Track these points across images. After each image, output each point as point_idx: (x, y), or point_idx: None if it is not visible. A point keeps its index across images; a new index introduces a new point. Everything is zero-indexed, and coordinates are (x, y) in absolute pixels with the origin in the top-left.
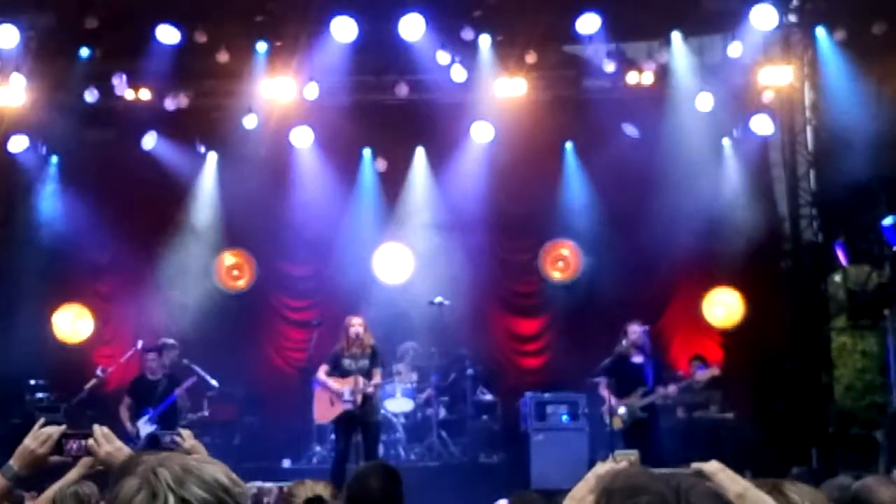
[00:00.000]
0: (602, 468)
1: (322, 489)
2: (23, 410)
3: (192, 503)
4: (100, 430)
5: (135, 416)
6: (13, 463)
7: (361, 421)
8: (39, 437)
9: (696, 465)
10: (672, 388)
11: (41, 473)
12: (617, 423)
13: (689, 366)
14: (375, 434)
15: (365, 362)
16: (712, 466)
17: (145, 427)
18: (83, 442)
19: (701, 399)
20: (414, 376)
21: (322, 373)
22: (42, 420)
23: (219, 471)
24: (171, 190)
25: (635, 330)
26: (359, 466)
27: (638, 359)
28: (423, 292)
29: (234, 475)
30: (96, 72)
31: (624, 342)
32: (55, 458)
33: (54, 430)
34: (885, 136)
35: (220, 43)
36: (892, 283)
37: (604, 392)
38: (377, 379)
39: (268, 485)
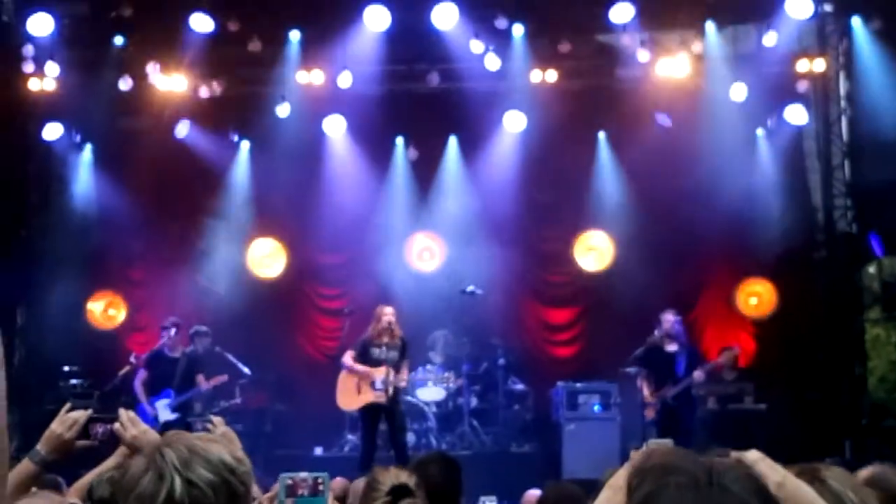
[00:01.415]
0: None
1: (406, 478)
2: (57, 396)
3: (199, 484)
4: (126, 414)
5: (151, 392)
6: (40, 447)
7: (387, 410)
8: (66, 421)
9: (735, 454)
10: (698, 374)
11: (70, 458)
12: (650, 414)
13: (720, 356)
14: (402, 422)
15: (395, 353)
16: (752, 456)
17: (164, 412)
18: (109, 426)
19: (733, 390)
20: (450, 376)
21: (349, 357)
22: (69, 405)
23: (223, 450)
24: (204, 178)
25: (668, 319)
26: (421, 454)
27: (672, 347)
28: (455, 281)
29: (239, 453)
30: (130, 60)
31: (657, 332)
32: (82, 443)
33: (81, 415)
34: None
35: (253, 32)
36: None
37: (641, 384)
38: (405, 374)
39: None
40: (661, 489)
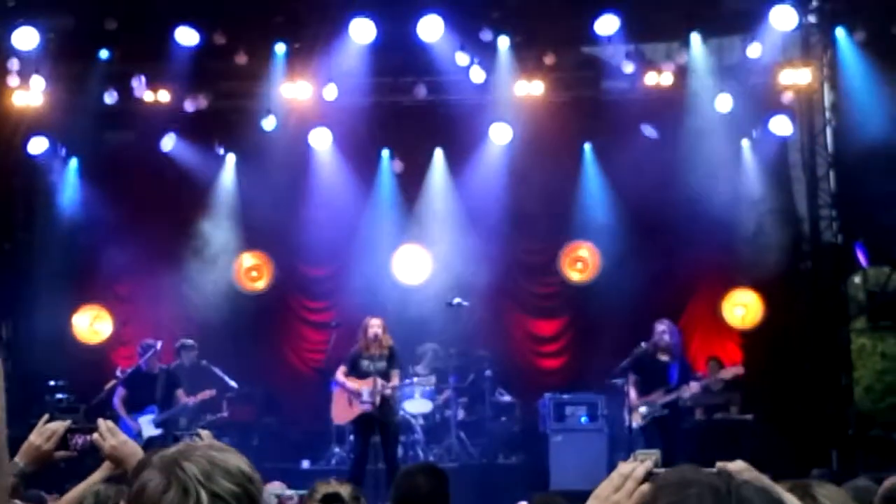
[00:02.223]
0: (626, 468)
1: (343, 488)
2: (42, 411)
3: (224, 496)
4: (104, 425)
5: (134, 409)
6: (19, 459)
7: (380, 422)
8: (45, 432)
9: (720, 465)
10: (693, 386)
11: (50, 470)
12: (636, 419)
13: (706, 367)
14: (394, 434)
15: (383, 364)
16: (737, 466)
17: (148, 427)
18: (88, 437)
19: (720, 401)
20: (433, 378)
21: (340, 374)
22: (46, 416)
23: (239, 460)
24: (190, 191)
25: (658, 329)
26: (407, 466)
27: (664, 357)
28: (441, 293)
29: (248, 461)
30: (115, 73)
31: (644, 343)
32: (61, 454)
33: (59, 426)
34: None
35: (238, 45)
36: None
37: (629, 389)
38: (395, 381)
39: (288, 492)
40: (682, 501)
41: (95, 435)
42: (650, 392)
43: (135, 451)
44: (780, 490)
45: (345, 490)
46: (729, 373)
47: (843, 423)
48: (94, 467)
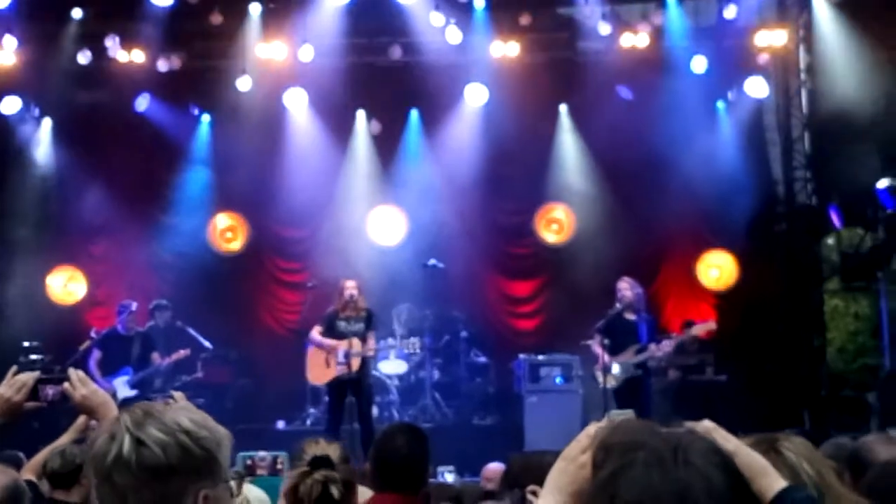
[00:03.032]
0: (593, 428)
1: (332, 450)
2: (17, 372)
3: (147, 443)
4: (75, 374)
5: (109, 371)
6: None
7: (355, 382)
8: (15, 384)
9: (689, 425)
10: (666, 344)
11: (23, 430)
12: (609, 381)
13: (681, 331)
14: (368, 395)
15: (360, 325)
16: (706, 426)
17: (123, 389)
18: (59, 387)
19: (694, 361)
20: (416, 341)
21: (316, 332)
22: (15, 367)
23: (183, 415)
24: (165, 152)
25: (619, 287)
26: (386, 426)
27: (631, 316)
28: (416, 255)
29: (207, 421)
30: (89, 33)
31: (618, 304)
32: (31, 404)
33: (29, 377)
34: (880, 99)
35: (213, 4)
36: (886, 245)
37: (597, 350)
38: (372, 343)
39: (260, 453)
40: (627, 466)
41: (66, 385)
42: (621, 352)
43: (105, 400)
44: (742, 447)
45: (333, 451)
46: (702, 328)
47: (815, 383)
48: (68, 427)
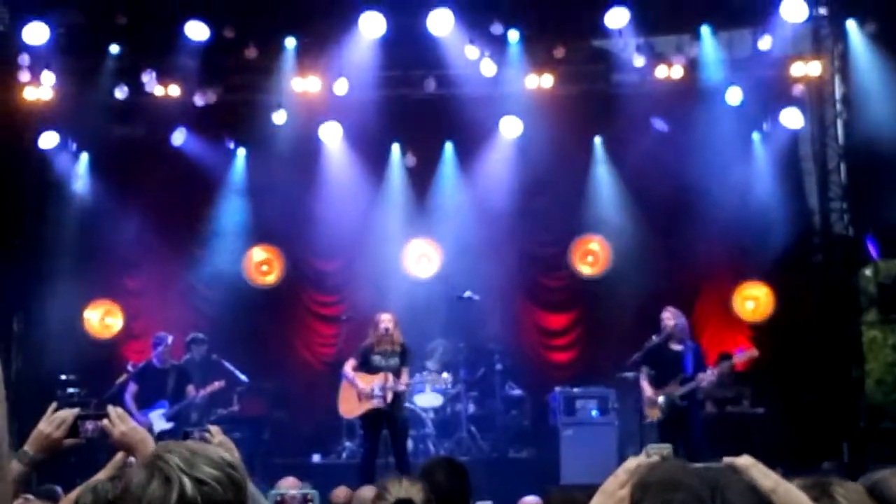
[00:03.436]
0: (633, 462)
1: (416, 492)
2: (57, 409)
3: (208, 481)
4: (114, 411)
5: (145, 405)
6: (28, 448)
7: (389, 416)
8: (54, 420)
9: (728, 460)
10: (710, 374)
11: (62, 465)
12: (654, 414)
13: (716, 364)
14: (403, 429)
15: (395, 360)
16: (745, 461)
17: (159, 422)
18: (98, 423)
19: (731, 394)
20: (448, 377)
21: (349, 367)
22: (55, 404)
23: (221, 450)
24: (201, 186)
25: (664, 316)
26: (426, 460)
27: (677, 346)
28: (451, 287)
29: (230, 453)
30: (126, 68)
31: (655, 337)
32: (70, 441)
33: (69, 413)
34: None
35: (248, 39)
36: None
37: (643, 383)
38: (406, 378)
39: (292, 492)
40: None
41: (105, 421)
42: (666, 384)
43: (144, 437)
44: (781, 483)
45: (416, 492)
46: (744, 356)
47: (854, 415)
48: (106, 462)
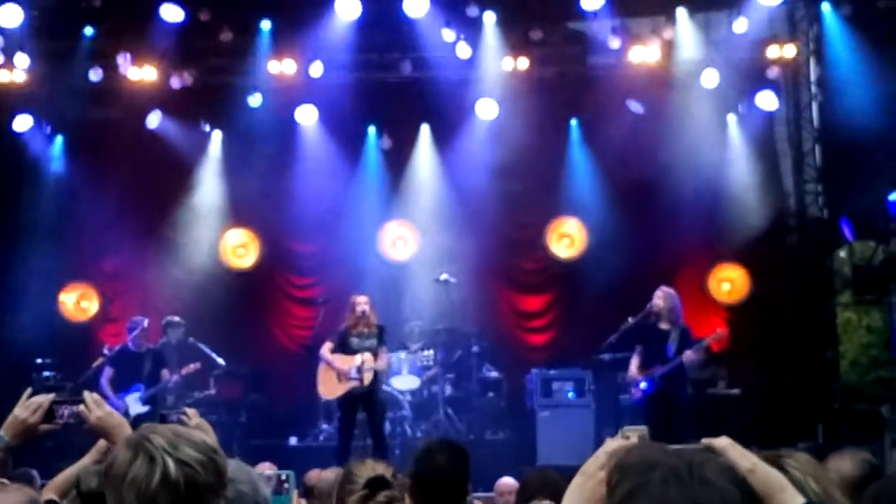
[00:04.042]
0: (612, 444)
1: (383, 469)
2: (33, 394)
3: (190, 463)
4: (90, 396)
5: (120, 388)
6: (3, 433)
7: (366, 398)
8: (30, 406)
9: (706, 441)
10: (689, 354)
11: (38, 448)
12: (636, 394)
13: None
14: (381, 410)
15: (372, 341)
16: (722, 442)
17: (135, 406)
18: (74, 408)
19: (706, 375)
20: (428, 354)
21: (326, 350)
22: (30, 389)
23: (204, 435)
24: (176, 168)
25: (656, 295)
26: (426, 441)
27: (665, 326)
28: (428, 270)
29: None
30: (101, 50)
31: (631, 318)
32: (46, 427)
33: (44, 399)
34: (891, 111)
35: (224, 21)
36: None
37: (631, 362)
38: (384, 358)
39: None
40: (643, 485)
41: (81, 406)
42: (650, 364)
43: (121, 422)
44: (760, 464)
45: (383, 470)
46: (712, 339)
47: (829, 396)
48: (83, 446)
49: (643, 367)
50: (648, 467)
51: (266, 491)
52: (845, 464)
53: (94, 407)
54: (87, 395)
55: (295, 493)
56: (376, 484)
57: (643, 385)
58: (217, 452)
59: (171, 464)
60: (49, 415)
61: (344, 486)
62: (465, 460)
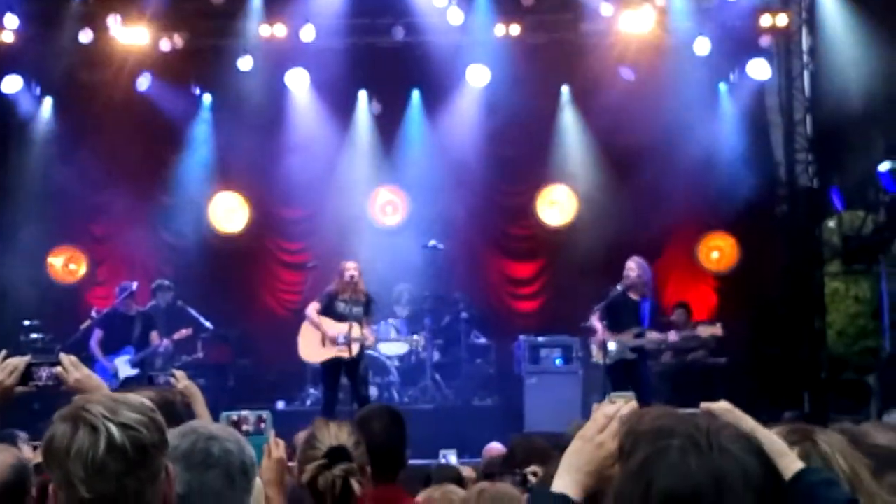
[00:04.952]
0: (611, 408)
1: (346, 437)
2: (17, 352)
3: (132, 425)
4: (67, 359)
5: (110, 350)
6: None
7: (349, 365)
8: (5, 368)
9: (705, 406)
10: (672, 335)
11: (23, 411)
12: (599, 357)
13: (672, 312)
14: (364, 377)
15: (359, 310)
16: (722, 406)
17: (124, 368)
18: (52, 370)
19: (693, 344)
20: (418, 338)
21: (313, 311)
22: (4, 352)
23: (141, 397)
24: (166, 131)
25: (627, 266)
26: (363, 409)
27: (634, 296)
28: (417, 236)
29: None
30: (90, 12)
31: (619, 286)
32: (21, 389)
33: (20, 361)
34: (883, 82)
35: None
36: (887, 228)
37: (595, 324)
38: (371, 333)
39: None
40: (661, 453)
41: (59, 368)
42: (621, 331)
43: (99, 385)
44: (759, 428)
45: (346, 436)
46: (706, 331)
47: (815, 366)
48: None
49: (613, 332)
50: (665, 434)
51: (251, 451)
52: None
53: (72, 369)
54: (63, 357)
55: (272, 433)
56: (336, 455)
57: (612, 347)
58: (154, 411)
59: (113, 429)
60: (25, 377)
61: (305, 450)
62: (400, 425)
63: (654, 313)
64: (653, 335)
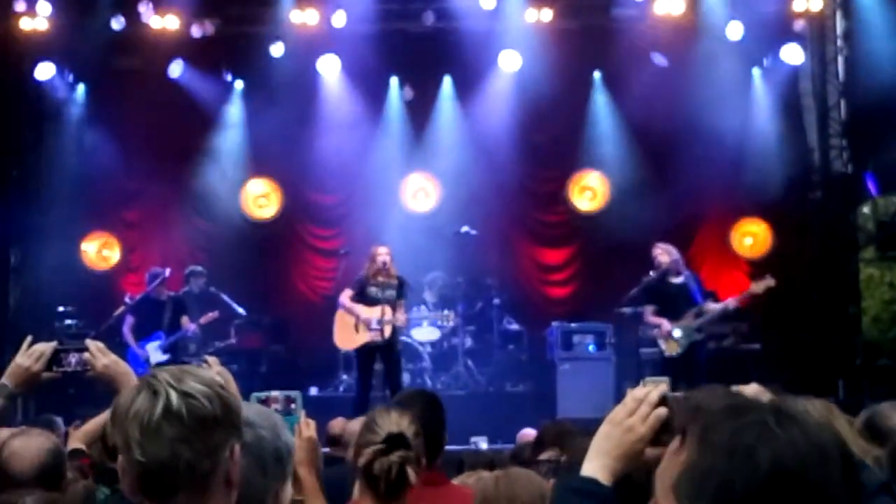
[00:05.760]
0: (640, 391)
1: (405, 424)
2: (52, 338)
3: (194, 395)
4: (93, 344)
5: (141, 336)
6: (6, 381)
7: (383, 350)
8: (32, 354)
9: (736, 389)
10: (731, 301)
11: (61, 395)
12: (673, 348)
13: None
14: (398, 362)
15: (392, 293)
16: (753, 389)
17: (155, 354)
18: (80, 356)
19: (726, 330)
20: (448, 313)
21: (346, 297)
22: (30, 337)
23: (217, 376)
24: (198, 118)
25: (654, 253)
26: (400, 393)
27: (677, 279)
28: (449, 222)
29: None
30: None
31: (652, 272)
32: (48, 374)
33: (47, 347)
34: None
35: None
36: None
37: (652, 319)
38: (403, 313)
39: (274, 392)
40: (756, 426)
41: (86, 354)
42: (678, 318)
43: (126, 370)
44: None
45: (406, 425)
46: (760, 286)
47: (850, 352)
48: (106, 393)
49: (672, 320)
50: (738, 412)
51: (289, 436)
52: None
53: (99, 355)
54: (89, 342)
55: (302, 413)
56: (395, 441)
57: (677, 333)
58: (224, 389)
59: (173, 395)
60: (52, 363)
61: (364, 434)
62: (439, 410)
63: (700, 286)
64: (710, 306)
